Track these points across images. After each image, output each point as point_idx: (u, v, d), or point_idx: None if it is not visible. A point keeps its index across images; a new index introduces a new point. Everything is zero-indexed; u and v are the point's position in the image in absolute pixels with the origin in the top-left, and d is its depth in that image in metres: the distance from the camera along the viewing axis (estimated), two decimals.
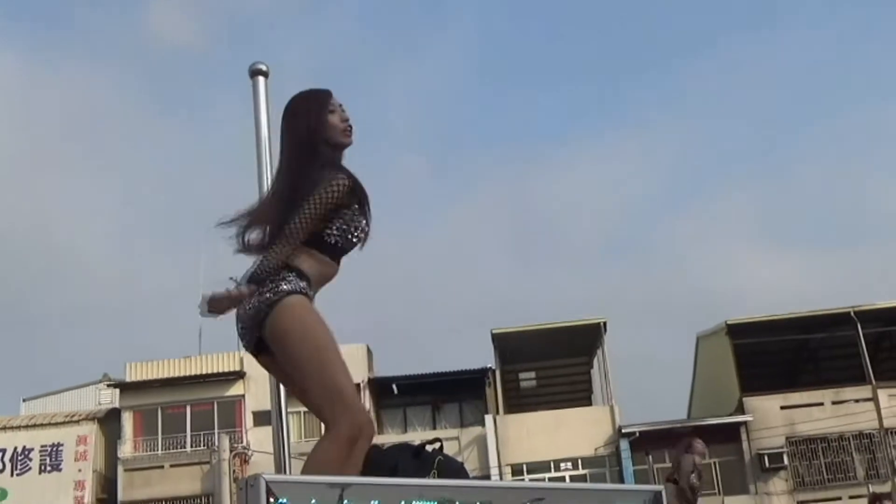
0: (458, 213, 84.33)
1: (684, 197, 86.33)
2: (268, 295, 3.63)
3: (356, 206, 3.80)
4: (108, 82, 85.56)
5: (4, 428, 36.96)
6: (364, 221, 3.82)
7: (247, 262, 3.84)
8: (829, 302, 39.61)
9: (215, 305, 3.75)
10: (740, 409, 36.06)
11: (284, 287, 3.63)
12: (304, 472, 3.42)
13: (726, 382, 37.18)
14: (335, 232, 3.75)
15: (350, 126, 3.94)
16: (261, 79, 4.51)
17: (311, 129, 3.89)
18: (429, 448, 3.45)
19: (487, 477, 33.75)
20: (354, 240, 3.80)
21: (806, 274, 78.34)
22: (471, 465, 33.26)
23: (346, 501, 2.91)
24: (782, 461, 35.03)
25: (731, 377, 36.77)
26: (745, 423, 35.72)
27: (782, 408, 35.83)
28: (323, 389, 3.51)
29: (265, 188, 4.25)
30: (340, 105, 3.97)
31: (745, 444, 35.63)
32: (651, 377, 65.08)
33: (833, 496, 34.87)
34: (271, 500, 2.80)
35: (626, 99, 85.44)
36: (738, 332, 36.73)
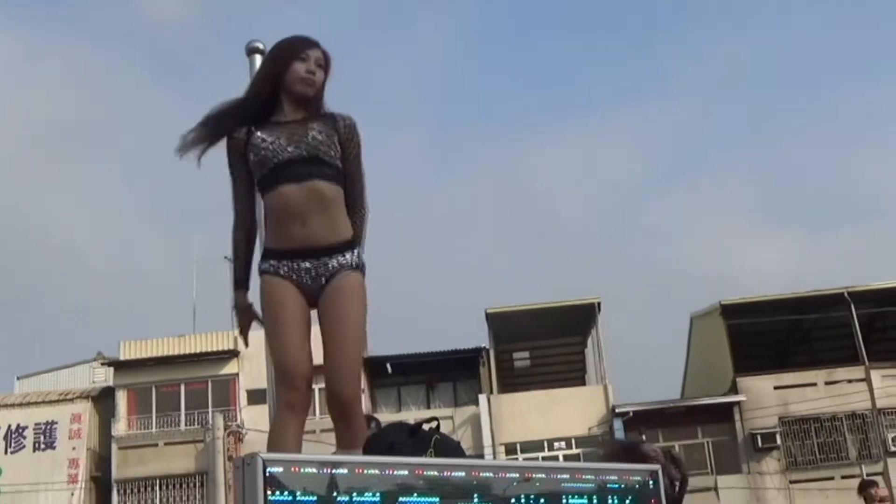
0: (451, 192, 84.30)
1: (678, 177, 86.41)
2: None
3: (247, 134, 3.98)
4: (104, 59, 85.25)
5: None
6: (259, 139, 3.96)
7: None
8: (823, 282, 39.76)
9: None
10: (734, 389, 36.15)
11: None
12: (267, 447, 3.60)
13: (720, 362, 37.26)
14: (254, 161, 3.99)
15: (311, 78, 4.02)
16: (258, 56, 4.50)
17: (268, 69, 4.10)
18: (426, 427, 3.46)
19: (481, 456, 33.85)
20: (274, 149, 3.93)
21: (800, 255, 78.53)
22: (465, 444, 33.00)
23: (340, 480, 2.91)
24: (775, 441, 35.15)
25: (724, 357, 36.85)
26: (738, 402, 35.82)
27: (775, 388, 35.92)
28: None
29: None
30: (319, 58, 4.06)
31: (738, 424, 35.74)
32: (645, 357, 65.15)
33: (825, 476, 35.00)
34: (268, 478, 2.79)
35: (618, 77, 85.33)
36: (731, 312, 36.78)
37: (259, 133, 3.95)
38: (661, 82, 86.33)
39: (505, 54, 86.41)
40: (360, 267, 3.95)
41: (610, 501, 3.31)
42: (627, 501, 3.34)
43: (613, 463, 3.60)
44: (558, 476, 3.30)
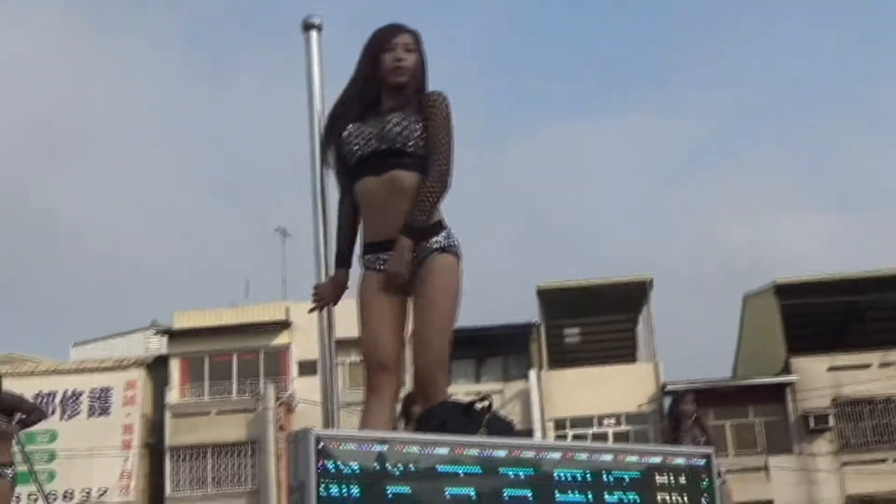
0: (497, 163, 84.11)
1: (732, 151, 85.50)
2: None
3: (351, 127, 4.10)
4: (151, 33, 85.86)
5: (55, 372, 37.56)
6: (348, 132, 4.10)
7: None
8: (880, 263, 39.21)
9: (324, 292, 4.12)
10: (786, 370, 35.87)
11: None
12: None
13: (773, 342, 36.96)
14: (339, 158, 4.22)
15: (400, 65, 4.05)
16: (314, 33, 4.47)
17: (361, 69, 4.15)
18: (479, 405, 3.46)
19: (530, 431, 33.90)
20: (355, 144, 4.07)
21: (856, 235, 77.48)
22: (514, 419, 33.29)
23: (389, 456, 2.93)
24: (827, 422, 34.86)
25: (777, 337, 36.54)
26: (790, 383, 35.55)
27: (829, 369, 35.60)
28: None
29: (317, 143, 4.28)
30: (406, 43, 4.10)
31: (790, 405, 35.48)
32: (696, 336, 64.77)
33: (878, 458, 34.70)
34: (320, 453, 2.82)
35: (668, 49, 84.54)
36: (786, 292, 36.44)
37: (347, 130, 4.09)
38: (717, 56, 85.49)
39: (563, 22, 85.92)
40: (449, 248, 3.99)
41: (660, 480, 3.30)
42: (680, 480, 3.32)
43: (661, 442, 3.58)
44: (606, 456, 3.30)
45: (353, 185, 4.06)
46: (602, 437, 34.72)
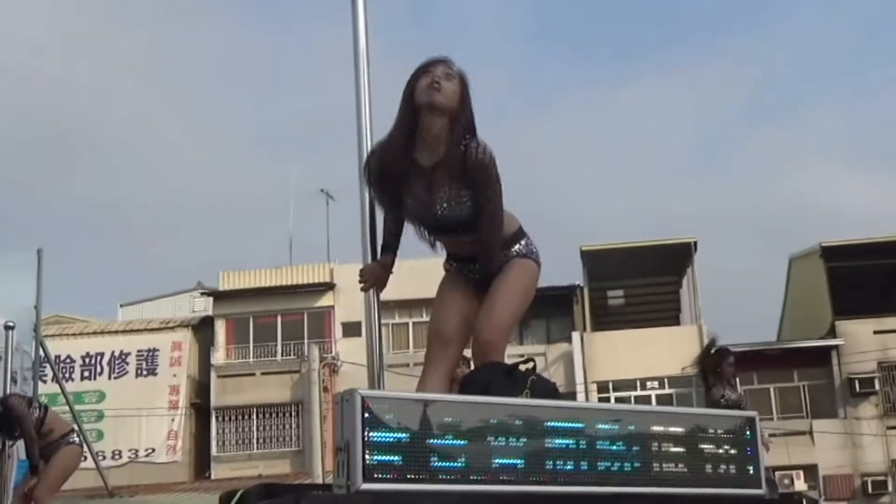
0: (542, 127, 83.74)
1: (780, 111, 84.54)
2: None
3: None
4: None
5: (103, 332, 38.02)
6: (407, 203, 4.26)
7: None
8: None
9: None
10: (832, 333, 35.60)
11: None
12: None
13: (818, 305, 36.68)
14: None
15: (437, 84, 4.03)
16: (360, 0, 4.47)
17: (405, 100, 4.14)
18: (522, 368, 3.47)
19: (573, 394, 33.92)
20: (412, 216, 4.32)
21: None
22: (557, 381, 33.25)
23: (434, 417, 2.95)
24: (873, 386, 34.61)
25: (823, 300, 36.26)
26: (836, 346, 35.28)
27: (875, 332, 35.28)
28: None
29: (364, 104, 4.29)
30: (445, 70, 4.09)
31: (835, 369, 35.23)
32: (741, 298, 64.36)
33: None
34: (366, 414, 2.86)
35: (715, 11, 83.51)
36: (832, 254, 36.11)
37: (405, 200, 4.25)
38: (761, 14, 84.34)
39: None
40: (528, 255, 4.32)
41: (707, 446, 3.31)
42: (724, 447, 3.33)
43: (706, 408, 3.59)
44: (654, 419, 3.30)
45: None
46: (645, 399, 34.65)
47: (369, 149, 4.21)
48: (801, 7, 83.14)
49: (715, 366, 10.53)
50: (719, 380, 10.44)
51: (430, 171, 4.05)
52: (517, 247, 4.28)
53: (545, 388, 3.42)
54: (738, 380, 10.78)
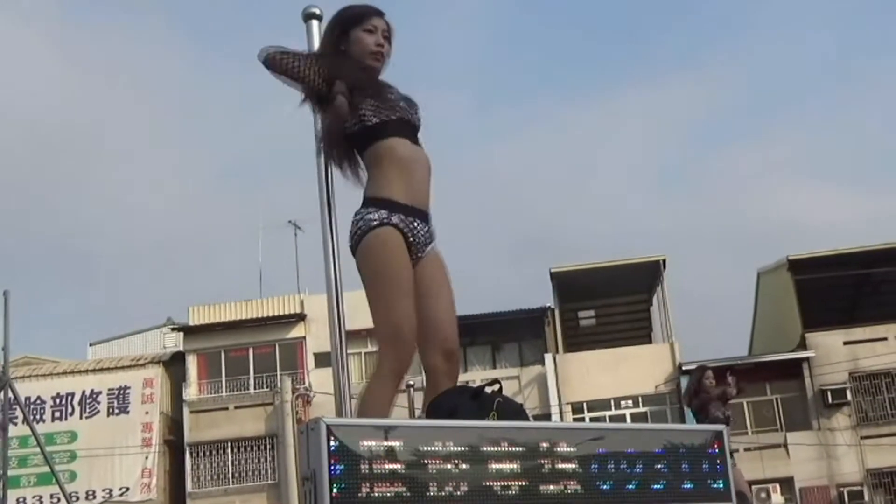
0: (507, 149, 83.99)
1: (744, 131, 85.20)
2: (357, 226, 3.74)
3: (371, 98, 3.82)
4: (149, 28, 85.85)
5: (73, 372, 37.70)
6: (387, 98, 3.85)
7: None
8: (893, 235, 39.04)
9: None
10: (802, 345, 35.79)
11: (364, 224, 3.71)
12: (357, 411, 3.55)
13: (788, 318, 36.89)
14: (369, 112, 3.79)
15: (381, 51, 3.92)
16: (314, 23, 4.47)
17: (333, 43, 3.96)
18: (488, 390, 3.46)
19: (548, 415, 33.89)
20: (392, 108, 3.82)
21: (869, 208, 77.18)
22: (531, 404, 33.39)
23: (403, 444, 2.93)
24: (845, 397, 34.78)
25: (792, 313, 36.46)
26: (807, 358, 35.46)
27: (845, 343, 35.48)
28: (380, 325, 3.67)
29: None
30: (385, 29, 3.96)
31: (807, 381, 35.39)
32: (711, 314, 64.65)
33: None
34: (332, 442, 2.83)
35: (681, 30, 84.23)
36: (799, 267, 36.34)
37: (386, 86, 3.93)
38: (726, 36, 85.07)
39: (563, 6, 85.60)
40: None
41: (676, 461, 3.30)
42: (693, 462, 3.32)
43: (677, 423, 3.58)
44: (621, 437, 3.30)
45: (383, 132, 3.79)
46: (620, 419, 34.71)
47: (332, 180, 4.11)
48: (765, 26, 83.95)
49: (696, 389, 10.55)
50: (708, 401, 10.45)
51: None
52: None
53: (512, 410, 3.40)
54: (733, 391, 10.71)
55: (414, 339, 3.66)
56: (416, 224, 3.74)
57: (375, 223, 3.68)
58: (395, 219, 3.68)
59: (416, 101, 4.00)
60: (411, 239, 3.72)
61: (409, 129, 3.84)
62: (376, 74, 3.95)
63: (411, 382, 10.13)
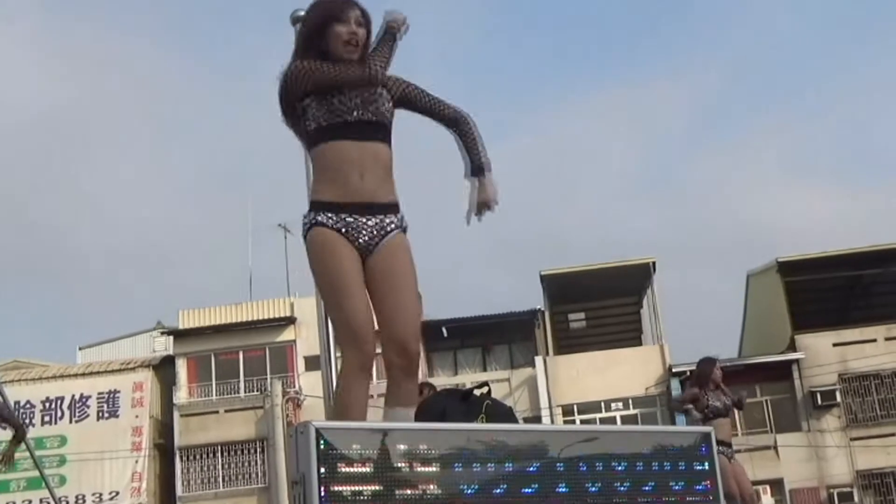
0: (496, 151, 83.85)
1: (733, 132, 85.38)
2: (302, 222, 3.89)
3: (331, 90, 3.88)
4: (139, 30, 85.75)
5: (62, 376, 37.56)
6: (347, 95, 3.88)
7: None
8: (882, 237, 39.18)
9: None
10: (792, 347, 35.84)
11: (302, 227, 3.88)
12: (333, 414, 3.55)
13: (777, 320, 36.93)
14: (317, 114, 3.87)
15: (354, 38, 3.95)
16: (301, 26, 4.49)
17: (308, 36, 4.00)
18: (477, 392, 3.47)
19: (538, 418, 33.91)
20: (345, 109, 3.85)
21: (858, 210, 77.40)
22: (521, 407, 33.38)
23: (393, 446, 2.94)
24: (835, 398, 34.82)
25: (782, 315, 36.51)
26: (796, 360, 35.51)
27: (834, 345, 35.53)
28: (334, 325, 3.76)
29: None
30: (358, 16, 3.99)
31: (797, 382, 35.43)
32: (701, 316, 64.72)
33: (887, 432, 34.68)
34: (321, 446, 2.84)
35: (666, 33, 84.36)
36: (789, 269, 36.39)
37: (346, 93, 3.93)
38: (711, 35, 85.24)
39: (544, 7, 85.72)
40: (405, 229, 3.92)
41: (664, 462, 3.31)
42: (682, 463, 3.34)
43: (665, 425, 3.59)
44: (611, 439, 3.31)
45: (317, 141, 3.90)
46: (610, 421, 34.71)
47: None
48: (750, 27, 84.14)
49: (706, 377, 10.67)
50: (708, 388, 10.58)
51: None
52: (401, 216, 3.93)
53: (501, 412, 3.42)
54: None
55: (370, 331, 3.68)
56: (351, 219, 3.78)
57: (307, 226, 3.84)
58: (321, 217, 3.79)
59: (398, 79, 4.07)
60: (347, 233, 3.78)
61: (357, 127, 3.87)
62: (347, 69, 3.95)
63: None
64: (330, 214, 3.78)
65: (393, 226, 3.85)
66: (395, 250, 3.83)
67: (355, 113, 3.87)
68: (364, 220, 3.80)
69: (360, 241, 3.79)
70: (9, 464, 9.88)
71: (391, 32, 4.01)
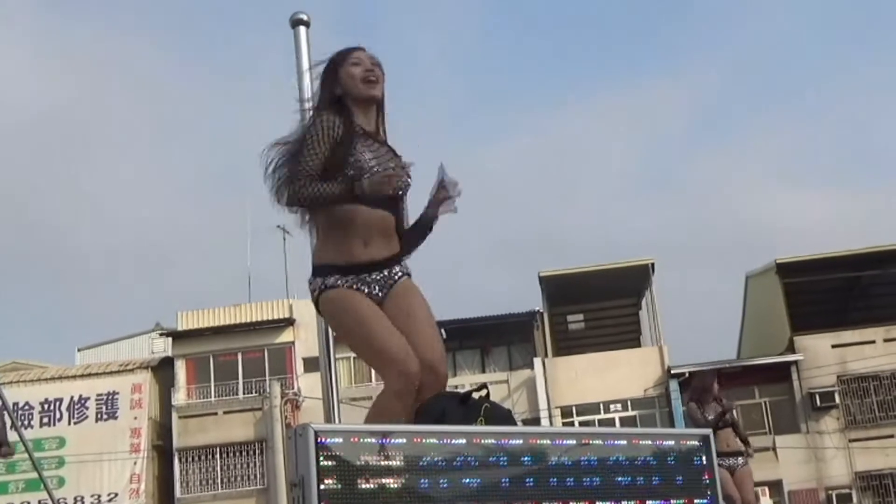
0: (494, 153, 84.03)
1: (732, 133, 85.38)
2: (310, 289, 3.93)
3: (354, 148, 3.87)
4: (138, 31, 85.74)
5: (61, 378, 37.56)
6: (365, 157, 3.87)
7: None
8: (881, 239, 39.19)
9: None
10: (791, 349, 35.85)
11: (311, 293, 3.92)
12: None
13: (776, 321, 36.94)
14: (333, 174, 3.82)
15: (372, 75, 3.98)
16: (302, 28, 4.49)
17: (326, 89, 4.02)
18: (476, 395, 3.47)
19: (537, 419, 33.90)
20: (359, 175, 3.81)
21: (858, 211, 77.40)
22: (520, 408, 33.39)
23: (391, 449, 2.94)
24: (833, 400, 34.84)
25: (781, 316, 36.52)
26: (795, 362, 35.52)
27: (833, 346, 35.55)
28: (371, 359, 3.80)
29: None
30: (371, 58, 4.03)
31: (795, 384, 35.45)
32: (700, 317, 64.72)
33: (885, 434, 34.70)
34: (320, 448, 2.84)
35: (665, 34, 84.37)
36: (787, 270, 36.41)
37: (361, 145, 3.91)
38: (711, 35, 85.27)
39: (540, 8, 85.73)
40: (410, 275, 4.01)
41: (662, 464, 3.31)
42: (680, 465, 3.34)
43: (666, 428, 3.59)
44: (607, 441, 3.31)
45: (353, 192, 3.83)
46: (609, 423, 34.69)
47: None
48: (749, 27, 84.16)
49: (706, 391, 10.85)
50: (706, 400, 10.74)
51: (393, 150, 4.04)
52: (404, 265, 4.02)
53: (500, 415, 3.42)
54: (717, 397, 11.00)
55: (407, 353, 3.68)
56: (361, 276, 3.85)
57: (317, 291, 3.87)
58: (330, 280, 3.84)
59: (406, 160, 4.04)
60: (363, 289, 3.85)
61: (373, 197, 3.85)
62: (370, 105, 4.01)
63: None
64: (338, 276, 3.85)
65: (399, 273, 3.94)
66: (407, 290, 3.93)
67: (364, 171, 3.86)
68: (372, 276, 3.88)
69: (372, 293, 3.86)
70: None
71: (428, 221, 4.10)
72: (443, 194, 4.02)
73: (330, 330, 4.18)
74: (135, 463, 35.84)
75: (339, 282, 3.83)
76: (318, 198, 3.78)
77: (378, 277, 3.88)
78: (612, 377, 35.31)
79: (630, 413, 35.66)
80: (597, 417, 35.37)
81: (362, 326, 3.76)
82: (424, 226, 4.07)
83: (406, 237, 4.04)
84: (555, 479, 3.14)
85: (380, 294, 3.86)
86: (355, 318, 3.79)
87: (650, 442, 3.34)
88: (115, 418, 36.46)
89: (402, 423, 3.53)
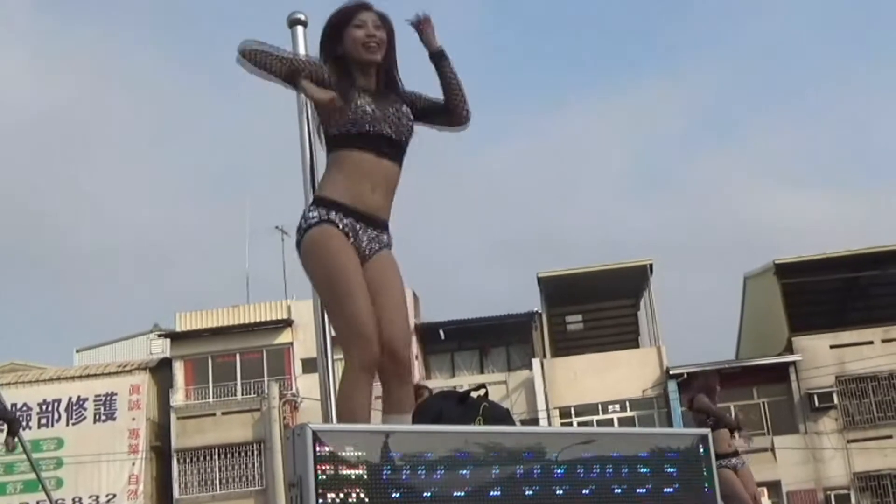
0: (494, 154, 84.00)
1: (730, 134, 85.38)
2: (300, 223, 3.83)
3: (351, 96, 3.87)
4: (135, 33, 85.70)
5: (59, 379, 37.53)
6: (362, 103, 3.87)
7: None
8: (879, 239, 39.18)
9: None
10: (789, 349, 35.85)
11: (305, 222, 3.80)
12: (336, 416, 3.53)
13: (775, 322, 36.95)
14: (339, 120, 3.85)
15: (373, 41, 3.95)
16: (300, 28, 4.48)
17: (327, 47, 4.01)
18: (474, 395, 3.46)
19: (536, 420, 33.89)
20: (359, 120, 3.84)
21: (856, 212, 77.41)
22: (518, 409, 33.38)
23: (391, 449, 2.93)
24: (832, 400, 34.85)
25: (779, 317, 36.53)
26: (794, 362, 35.53)
27: (832, 347, 35.56)
28: (338, 320, 3.70)
29: (306, 139, 4.28)
30: (375, 19, 4.00)
31: (794, 384, 35.46)
32: (698, 318, 64.73)
33: (884, 434, 34.71)
34: (318, 448, 2.83)
35: (664, 34, 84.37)
36: (786, 271, 36.42)
37: (361, 98, 3.90)
38: (711, 35, 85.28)
39: (540, 8, 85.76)
40: (391, 246, 3.96)
41: (661, 465, 3.31)
42: (679, 466, 3.33)
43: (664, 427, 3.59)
44: (608, 441, 3.30)
45: (339, 145, 3.89)
46: (608, 423, 34.69)
47: (315, 189, 4.11)
48: (748, 29, 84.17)
49: (712, 390, 10.98)
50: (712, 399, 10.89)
51: (392, 97, 4.02)
52: (390, 237, 3.96)
53: (498, 414, 3.41)
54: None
55: (374, 332, 3.62)
56: (358, 226, 3.80)
57: (312, 220, 3.77)
58: (332, 216, 3.76)
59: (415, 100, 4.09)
60: (352, 240, 3.77)
61: (376, 141, 3.87)
62: (370, 67, 3.99)
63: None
64: (340, 215, 3.77)
65: (386, 241, 3.91)
66: (389, 264, 3.87)
67: (377, 126, 3.87)
68: (368, 229, 3.82)
69: (362, 247, 3.80)
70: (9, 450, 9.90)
71: (437, 58, 4.12)
72: (423, 29, 4.08)
73: (327, 329, 4.13)
74: (133, 464, 35.82)
75: (340, 221, 3.77)
76: (264, 57, 3.82)
77: (373, 235, 3.84)
78: (610, 378, 35.31)
79: (629, 414, 35.66)
80: (595, 418, 35.36)
81: (338, 289, 3.69)
82: (440, 69, 4.12)
83: (446, 86, 4.12)
84: (553, 479, 3.13)
85: (367, 252, 3.81)
86: (337, 278, 3.70)
87: (649, 442, 3.33)
88: (114, 419, 36.44)
89: (367, 407, 3.56)
